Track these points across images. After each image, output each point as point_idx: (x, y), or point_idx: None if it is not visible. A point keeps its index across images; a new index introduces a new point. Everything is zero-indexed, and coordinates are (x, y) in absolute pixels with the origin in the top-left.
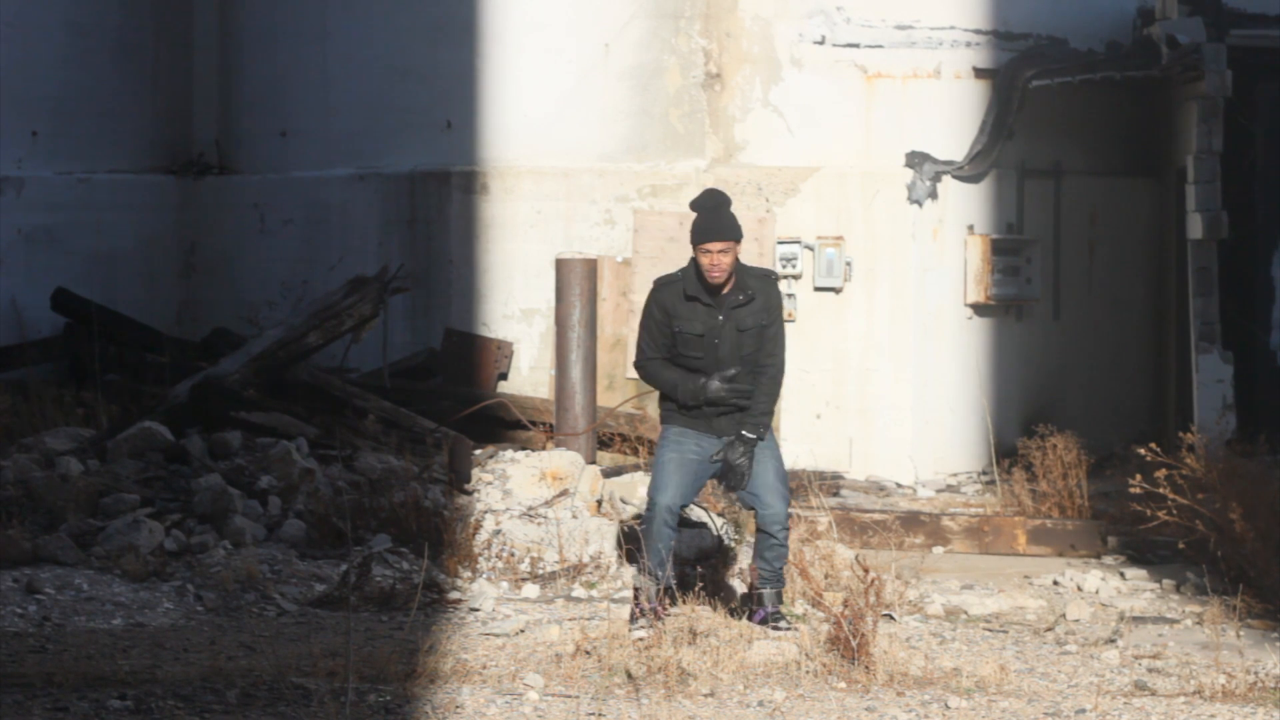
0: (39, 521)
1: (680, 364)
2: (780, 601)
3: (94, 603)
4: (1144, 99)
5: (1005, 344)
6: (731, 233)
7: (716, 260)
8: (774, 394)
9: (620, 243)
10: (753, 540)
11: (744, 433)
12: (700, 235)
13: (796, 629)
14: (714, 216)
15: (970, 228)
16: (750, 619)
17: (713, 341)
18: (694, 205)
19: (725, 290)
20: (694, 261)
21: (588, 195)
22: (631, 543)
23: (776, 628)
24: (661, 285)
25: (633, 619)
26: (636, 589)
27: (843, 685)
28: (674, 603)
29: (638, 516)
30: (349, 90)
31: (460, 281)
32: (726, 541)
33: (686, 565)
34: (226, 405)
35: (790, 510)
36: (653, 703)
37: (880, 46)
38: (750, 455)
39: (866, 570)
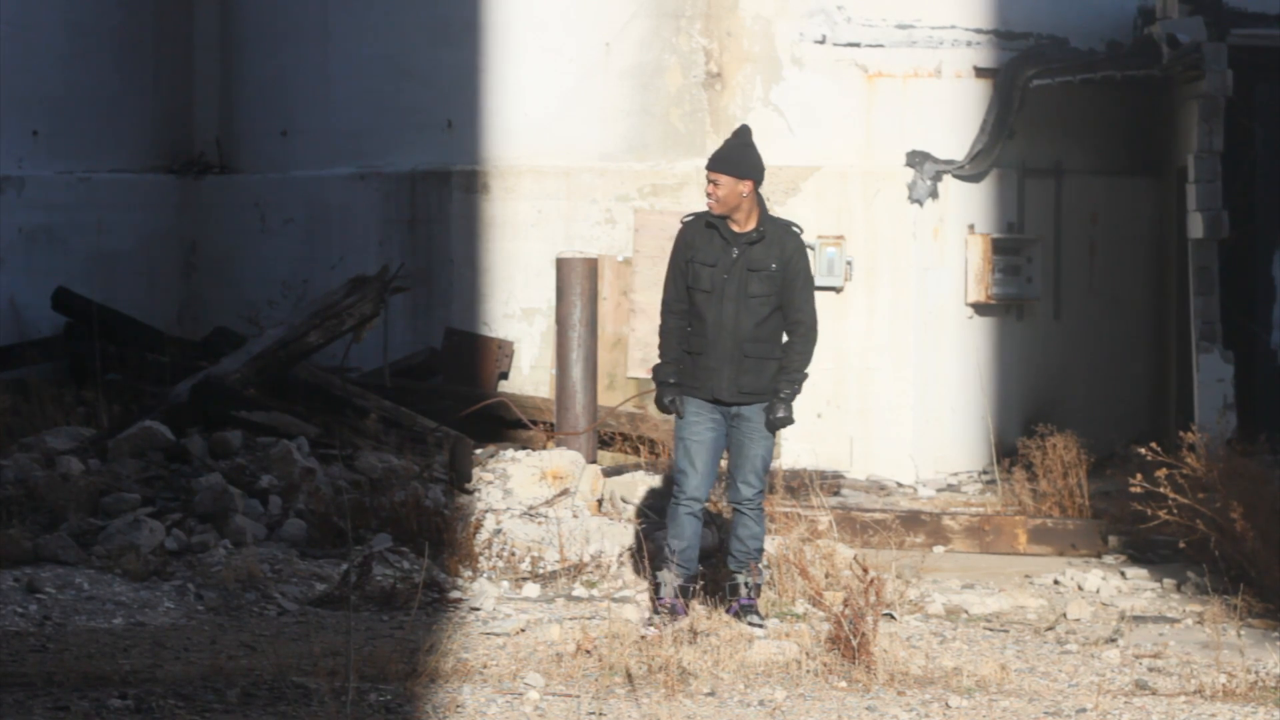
0: (40, 521)
1: (691, 299)
2: (758, 593)
3: (95, 602)
4: (1144, 98)
5: (1006, 343)
6: (731, 167)
7: (711, 190)
8: (807, 351)
9: (621, 242)
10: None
11: (783, 392)
12: (707, 163)
13: (765, 625)
14: (723, 148)
15: (971, 227)
16: (726, 611)
17: (721, 276)
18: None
19: (743, 229)
20: None
21: (588, 194)
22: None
23: (750, 623)
24: (687, 220)
25: (656, 611)
26: (657, 584)
27: (843, 684)
28: (680, 612)
29: (641, 516)
30: (350, 89)
31: (461, 281)
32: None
33: None
34: (227, 404)
35: (790, 508)
36: (653, 702)
37: (881, 46)
38: (790, 409)
39: (867, 569)
